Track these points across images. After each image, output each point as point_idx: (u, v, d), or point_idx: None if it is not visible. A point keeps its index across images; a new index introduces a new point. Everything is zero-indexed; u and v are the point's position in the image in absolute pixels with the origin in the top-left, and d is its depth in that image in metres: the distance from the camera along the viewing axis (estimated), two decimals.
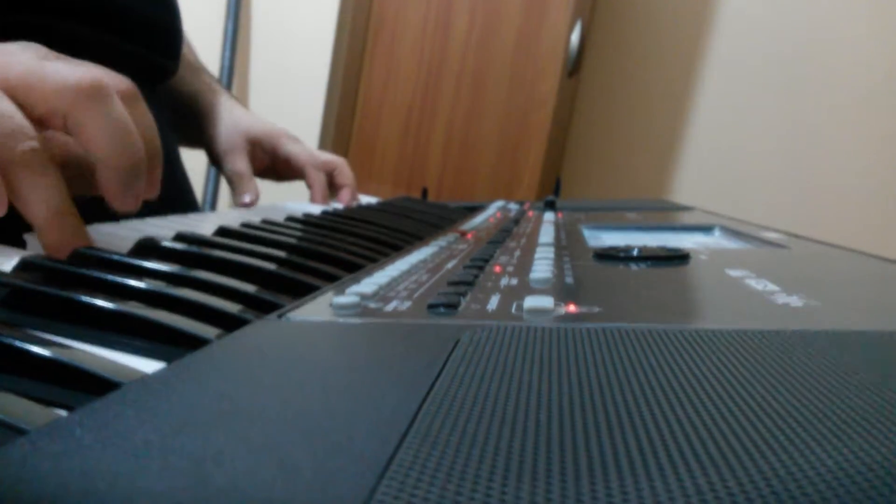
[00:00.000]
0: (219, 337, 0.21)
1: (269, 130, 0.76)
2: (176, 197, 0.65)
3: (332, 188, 0.79)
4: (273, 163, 0.77)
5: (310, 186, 0.75)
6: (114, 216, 0.36)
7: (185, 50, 0.72)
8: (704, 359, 0.17)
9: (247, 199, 0.70)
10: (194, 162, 0.79)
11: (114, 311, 0.22)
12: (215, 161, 0.76)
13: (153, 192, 0.36)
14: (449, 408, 0.13)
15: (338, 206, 0.70)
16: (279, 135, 0.76)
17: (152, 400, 0.14)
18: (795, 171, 1.52)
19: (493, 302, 0.25)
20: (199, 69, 0.79)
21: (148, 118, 0.35)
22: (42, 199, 0.29)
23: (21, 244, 0.32)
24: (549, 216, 0.65)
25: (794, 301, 0.24)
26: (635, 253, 0.35)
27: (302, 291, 0.29)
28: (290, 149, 0.76)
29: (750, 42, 1.54)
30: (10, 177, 0.29)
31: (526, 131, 1.38)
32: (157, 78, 0.67)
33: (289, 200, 0.75)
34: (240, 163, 0.72)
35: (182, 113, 0.75)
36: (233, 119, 0.75)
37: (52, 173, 0.30)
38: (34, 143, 0.29)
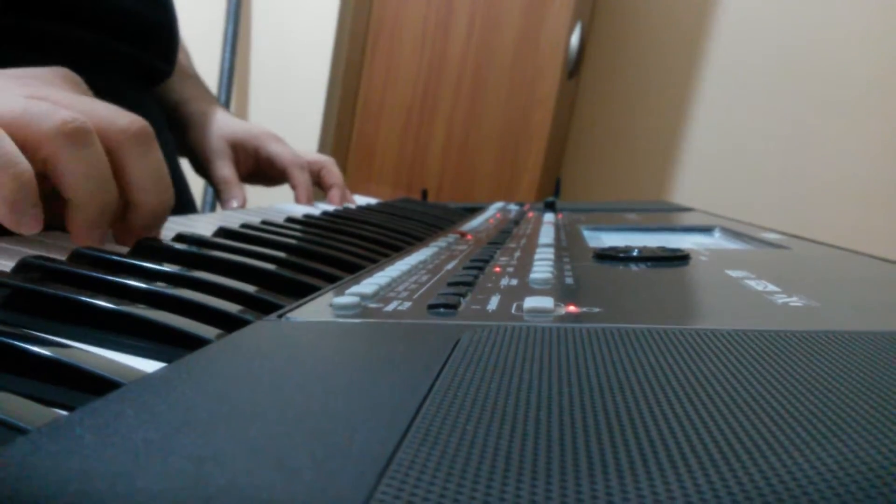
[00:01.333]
0: (219, 337, 0.21)
1: (250, 131, 0.74)
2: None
3: (321, 189, 0.77)
4: (257, 164, 0.75)
5: (293, 187, 0.73)
6: None
7: (179, 55, 0.71)
8: (704, 359, 0.17)
9: (234, 203, 0.68)
10: None
11: (114, 311, 0.22)
12: (199, 169, 0.75)
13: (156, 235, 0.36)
14: (449, 408, 0.13)
15: (327, 207, 0.69)
16: (261, 135, 0.74)
17: (152, 400, 0.14)
18: (795, 172, 1.52)
19: (493, 302, 0.25)
20: (188, 77, 0.77)
21: (161, 166, 0.34)
22: (83, 171, 0.29)
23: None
24: (549, 217, 0.65)
25: (794, 302, 0.24)
26: (635, 253, 0.35)
27: (302, 292, 0.29)
28: (273, 149, 0.73)
29: (750, 42, 1.54)
30: (48, 150, 0.28)
31: (526, 132, 1.38)
32: (153, 80, 0.66)
33: (283, 202, 0.74)
34: (225, 168, 0.71)
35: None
36: (213, 124, 0.73)
37: (94, 143, 0.29)
38: (73, 115, 0.29)
